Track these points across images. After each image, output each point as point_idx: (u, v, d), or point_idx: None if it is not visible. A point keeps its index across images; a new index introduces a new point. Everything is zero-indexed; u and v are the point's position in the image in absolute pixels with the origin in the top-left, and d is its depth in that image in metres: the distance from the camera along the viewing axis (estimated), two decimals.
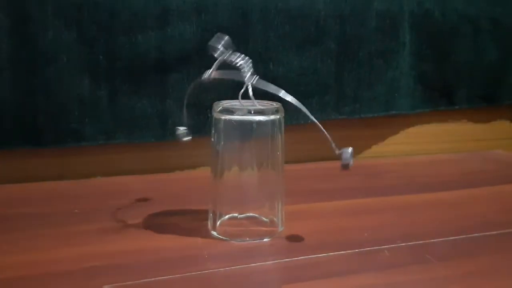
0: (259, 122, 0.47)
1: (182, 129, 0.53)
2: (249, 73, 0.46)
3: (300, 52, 0.76)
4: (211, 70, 0.47)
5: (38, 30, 0.64)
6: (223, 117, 0.47)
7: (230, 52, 0.47)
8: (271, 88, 0.46)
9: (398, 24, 0.80)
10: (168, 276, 0.41)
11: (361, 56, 0.79)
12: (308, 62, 0.76)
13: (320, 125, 0.46)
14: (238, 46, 0.71)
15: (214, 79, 0.48)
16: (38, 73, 0.65)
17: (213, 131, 0.49)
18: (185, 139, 0.53)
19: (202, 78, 0.48)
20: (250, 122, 0.47)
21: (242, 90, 0.48)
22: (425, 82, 0.85)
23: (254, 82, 0.46)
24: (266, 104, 0.49)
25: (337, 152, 0.45)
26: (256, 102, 0.48)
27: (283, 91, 0.46)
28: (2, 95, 0.64)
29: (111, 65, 0.68)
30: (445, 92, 0.87)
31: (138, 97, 0.70)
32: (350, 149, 0.45)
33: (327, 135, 0.45)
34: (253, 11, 0.72)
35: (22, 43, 0.64)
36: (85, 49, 0.66)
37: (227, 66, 0.47)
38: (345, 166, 0.45)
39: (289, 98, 0.46)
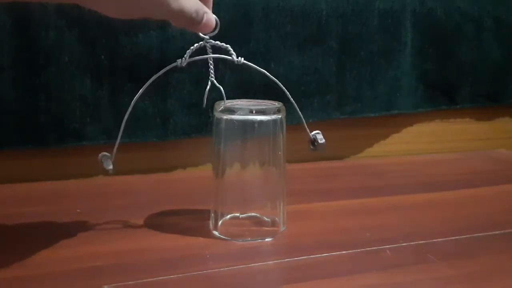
0: (260, 122, 0.47)
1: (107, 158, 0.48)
2: (234, 54, 0.47)
3: (302, 52, 0.75)
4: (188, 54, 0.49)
5: (39, 30, 0.64)
6: (224, 117, 0.47)
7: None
8: (256, 68, 0.47)
9: (401, 23, 0.79)
10: (169, 276, 0.41)
11: (363, 56, 0.78)
12: (309, 61, 0.76)
13: (295, 104, 0.48)
14: (240, 45, 0.71)
15: (189, 63, 0.48)
16: (40, 72, 0.65)
17: (214, 131, 0.49)
18: (108, 168, 0.48)
19: (178, 63, 0.48)
20: (252, 122, 0.46)
21: (208, 87, 0.49)
22: (427, 81, 0.84)
23: (241, 61, 0.47)
24: (268, 104, 0.49)
25: (311, 134, 0.50)
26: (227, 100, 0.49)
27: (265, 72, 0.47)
28: (3, 94, 0.64)
29: (113, 65, 0.67)
30: (448, 91, 0.86)
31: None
32: (319, 131, 0.50)
33: (301, 114, 0.50)
34: (254, 10, 0.72)
35: (24, 43, 0.64)
36: (86, 49, 0.66)
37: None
38: (322, 146, 0.49)
39: (272, 78, 0.47)
